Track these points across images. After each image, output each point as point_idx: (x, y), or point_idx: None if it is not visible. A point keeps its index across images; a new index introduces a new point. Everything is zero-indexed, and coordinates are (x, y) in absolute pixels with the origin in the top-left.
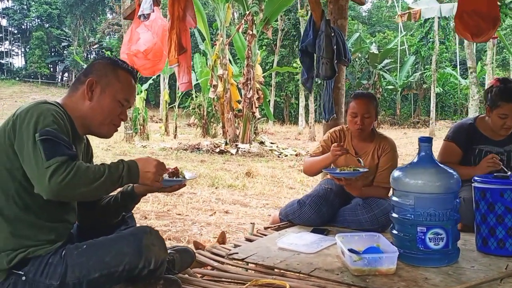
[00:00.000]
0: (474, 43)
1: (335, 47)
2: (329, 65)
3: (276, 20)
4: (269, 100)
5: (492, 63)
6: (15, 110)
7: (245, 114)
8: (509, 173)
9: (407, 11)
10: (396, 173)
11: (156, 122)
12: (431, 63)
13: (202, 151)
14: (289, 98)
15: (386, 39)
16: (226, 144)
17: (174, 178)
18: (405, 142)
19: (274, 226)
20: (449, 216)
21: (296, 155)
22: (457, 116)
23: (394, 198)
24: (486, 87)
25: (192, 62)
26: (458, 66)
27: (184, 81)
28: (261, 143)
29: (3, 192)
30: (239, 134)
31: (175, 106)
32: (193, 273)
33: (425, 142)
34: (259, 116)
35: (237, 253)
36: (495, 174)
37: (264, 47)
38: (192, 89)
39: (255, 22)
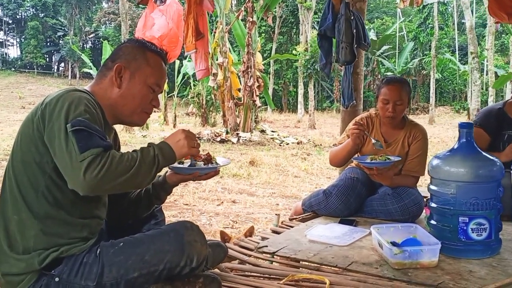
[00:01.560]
0: (474, 28)
1: (354, 30)
2: (348, 50)
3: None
4: (268, 88)
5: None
6: (12, 101)
7: (245, 103)
8: None
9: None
10: (435, 161)
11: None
12: (429, 49)
13: (203, 140)
14: (287, 86)
15: (384, 26)
16: (227, 133)
17: (209, 166)
18: None
19: (299, 217)
20: (492, 206)
21: (298, 143)
22: (455, 102)
23: (433, 187)
24: (485, 73)
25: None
26: (457, 52)
27: (202, 67)
28: (262, 131)
29: (33, 188)
30: (239, 122)
31: (173, 95)
32: (224, 268)
33: (466, 128)
34: (260, 104)
35: (266, 246)
36: None
37: (262, 34)
38: (209, 76)
39: (255, 9)
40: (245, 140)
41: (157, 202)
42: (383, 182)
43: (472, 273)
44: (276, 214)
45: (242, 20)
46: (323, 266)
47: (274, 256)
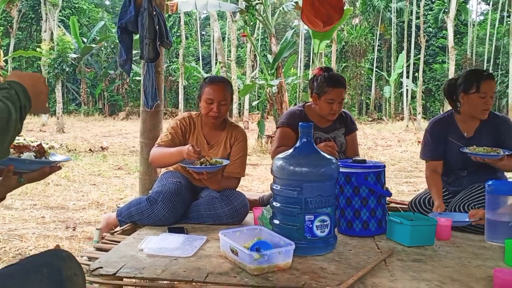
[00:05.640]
0: (221, 40)
1: (157, 27)
2: (151, 46)
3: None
4: None
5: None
6: None
7: None
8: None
9: (165, 2)
10: (279, 161)
11: None
12: (177, 56)
13: None
14: None
15: None
16: None
17: (48, 159)
18: None
19: (119, 230)
20: (332, 203)
21: (49, 148)
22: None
23: (277, 187)
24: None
25: None
26: (200, 61)
27: None
28: None
29: None
30: None
31: None
32: None
33: (306, 128)
34: None
35: (101, 267)
36: (353, 159)
37: None
38: None
39: None
40: None
41: None
42: (211, 186)
43: (324, 269)
44: (96, 229)
45: None
46: (178, 283)
47: (97, 277)
